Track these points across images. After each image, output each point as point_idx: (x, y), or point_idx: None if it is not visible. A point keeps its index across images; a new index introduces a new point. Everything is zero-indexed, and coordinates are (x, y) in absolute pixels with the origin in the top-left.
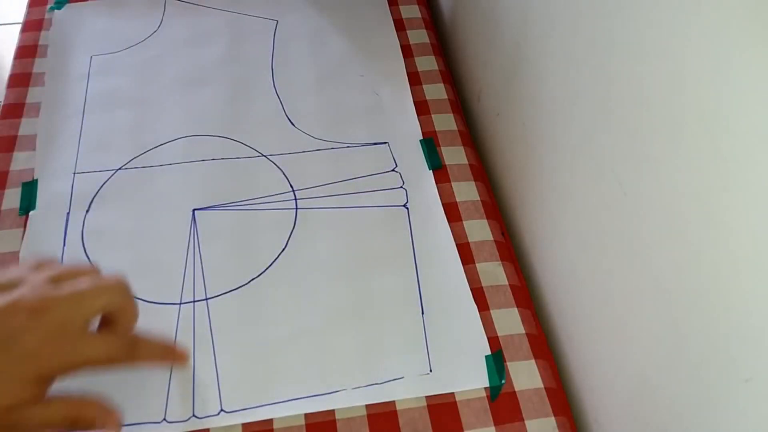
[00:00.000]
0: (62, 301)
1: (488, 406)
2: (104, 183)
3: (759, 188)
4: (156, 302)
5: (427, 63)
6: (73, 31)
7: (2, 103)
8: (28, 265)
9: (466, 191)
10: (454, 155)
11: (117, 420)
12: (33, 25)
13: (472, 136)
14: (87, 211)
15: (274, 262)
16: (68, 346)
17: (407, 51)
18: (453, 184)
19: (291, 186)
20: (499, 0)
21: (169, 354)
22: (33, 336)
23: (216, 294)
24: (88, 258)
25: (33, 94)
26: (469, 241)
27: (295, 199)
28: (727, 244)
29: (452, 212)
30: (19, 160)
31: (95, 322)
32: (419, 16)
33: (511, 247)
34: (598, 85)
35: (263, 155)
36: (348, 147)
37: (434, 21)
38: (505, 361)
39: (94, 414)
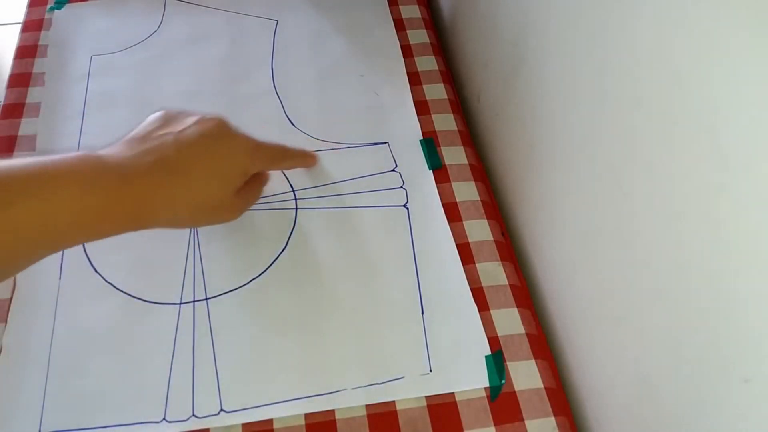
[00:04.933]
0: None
1: (488, 406)
2: None
3: (757, 187)
4: (156, 302)
5: (427, 63)
6: (73, 31)
7: (2, 103)
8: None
9: (466, 191)
10: (454, 155)
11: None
12: (33, 25)
13: (472, 136)
14: None
15: (274, 262)
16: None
17: (407, 51)
18: (453, 184)
19: (291, 186)
20: (498, 0)
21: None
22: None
23: (216, 294)
24: (88, 258)
25: (33, 94)
26: (469, 241)
27: (295, 199)
28: (727, 243)
29: (452, 212)
30: None
31: None
32: (419, 16)
33: (511, 247)
34: (597, 84)
35: None
36: (348, 147)
37: (434, 21)
38: (505, 361)
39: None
